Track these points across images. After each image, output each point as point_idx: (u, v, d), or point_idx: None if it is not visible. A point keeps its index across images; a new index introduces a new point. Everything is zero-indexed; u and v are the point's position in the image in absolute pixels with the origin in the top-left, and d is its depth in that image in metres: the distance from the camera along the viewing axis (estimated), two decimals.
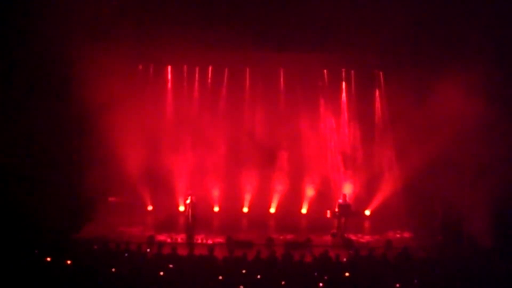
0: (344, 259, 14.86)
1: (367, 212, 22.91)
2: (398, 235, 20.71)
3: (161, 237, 19.15)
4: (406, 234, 20.83)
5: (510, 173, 17.52)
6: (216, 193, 22.98)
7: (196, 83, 23.68)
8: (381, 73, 23.42)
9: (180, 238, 19.33)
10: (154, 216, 22.15)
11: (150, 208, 22.94)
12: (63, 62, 19.06)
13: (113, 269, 12.96)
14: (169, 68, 23.60)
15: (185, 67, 23.54)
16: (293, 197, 23.11)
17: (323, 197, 22.65)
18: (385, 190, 22.74)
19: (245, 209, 23.18)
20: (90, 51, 18.74)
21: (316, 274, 13.24)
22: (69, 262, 13.26)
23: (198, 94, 23.71)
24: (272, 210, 23.22)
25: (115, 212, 21.55)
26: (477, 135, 18.43)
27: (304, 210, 23.28)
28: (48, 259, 13.36)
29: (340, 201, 20.25)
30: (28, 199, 17.83)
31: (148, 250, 15.81)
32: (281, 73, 23.68)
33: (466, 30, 18.80)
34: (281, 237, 19.80)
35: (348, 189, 22.48)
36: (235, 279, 12.61)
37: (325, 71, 23.68)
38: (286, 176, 23.37)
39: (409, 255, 15.63)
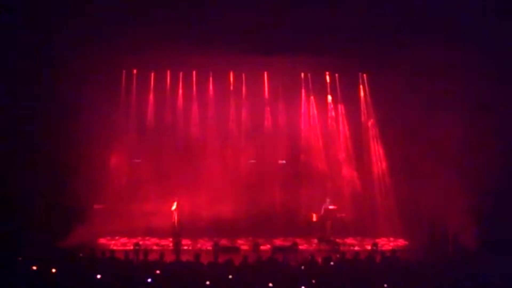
0: (331, 263, 14.85)
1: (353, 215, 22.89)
2: (384, 238, 20.76)
3: (148, 242, 19.08)
4: (393, 238, 20.89)
5: (490, 175, 17.52)
6: (202, 198, 22.83)
7: (180, 88, 23.59)
8: (365, 75, 23.53)
9: (166, 244, 19.24)
10: (140, 222, 21.95)
11: (135, 214, 22.74)
12: (48, 68, 18.95)
13: (99, 277, 12.85)
14: (153, 74, 23.50)
15: (168, 72, 23.49)
16: (280, 201, 23.02)
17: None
18: (372, 194, 22.79)
19: (231, 214, 23.05)
20: (74, 57, 18.67)
21: (302, 278, 13.21)
22: (54, 270, 13.12)
23: (183, 99, 23.62)
24: (259, 214, 23.08)
25: (100, 219, 21.37)
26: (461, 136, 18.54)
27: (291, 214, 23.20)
28: (34, 267, 13.20)
29: (326, 204, 20.28)
30: (12, 206, 17.69)
31: (135, 257, 15.69)
32: (265, 76, 23.68)
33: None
34: (268, 242, 19.79)
35: (333, 192, 22.46)
36: (222, 285, 12.55)
37: (309, 74, 23.73)
38: (273, 180, 23.35)
39: (397, 258, 15.66)
